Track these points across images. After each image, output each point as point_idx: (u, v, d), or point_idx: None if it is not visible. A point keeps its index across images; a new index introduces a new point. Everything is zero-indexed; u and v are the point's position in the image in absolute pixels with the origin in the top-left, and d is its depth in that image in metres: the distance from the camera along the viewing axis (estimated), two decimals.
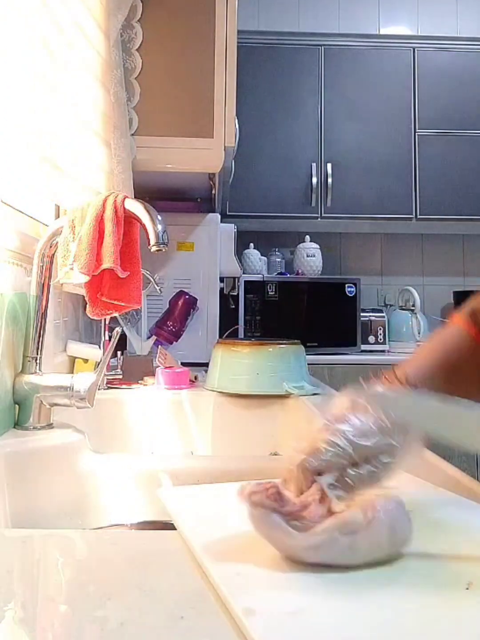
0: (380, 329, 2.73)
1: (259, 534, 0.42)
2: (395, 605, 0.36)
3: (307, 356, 1.35)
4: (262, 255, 2.93)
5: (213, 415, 1.26)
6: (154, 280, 1.64)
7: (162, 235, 0.82)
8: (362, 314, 2.68)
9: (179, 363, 1.53)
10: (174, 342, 1.86)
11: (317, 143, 2.85)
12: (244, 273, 2.53)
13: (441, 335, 0.69)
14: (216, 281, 2.00)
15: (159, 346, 1.59)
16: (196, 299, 1.92)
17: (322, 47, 2.86)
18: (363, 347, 2.66)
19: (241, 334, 2.53)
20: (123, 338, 1.72)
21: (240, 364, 1.26)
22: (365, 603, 0.36)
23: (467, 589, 0.38)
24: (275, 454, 1.14)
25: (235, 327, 2.50)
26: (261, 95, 2.82)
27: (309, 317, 2.64)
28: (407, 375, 0.52)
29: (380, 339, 2.72)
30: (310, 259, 2.88)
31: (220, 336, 2.04)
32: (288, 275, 2.83)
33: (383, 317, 2.78)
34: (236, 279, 2.25)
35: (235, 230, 2.11)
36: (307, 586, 0.38)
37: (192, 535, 0.46)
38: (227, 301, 2.31)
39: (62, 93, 1.11)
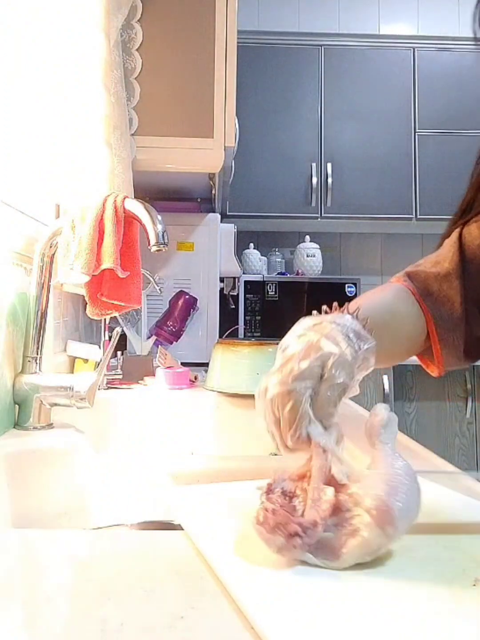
0: None
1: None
2: (402, 601, 0.36)
3: None
4: (262, 255, 2.93)
5: (213, 415, 1.26)
6: (154, 280, 1.64)
7: (162, 235, 0.82)
8: None
9: (179, 363, 1.53)
10: (174, 342, 1.86)
11: (317, 143, 2.85)
12: (244, 273, 2.53)
13: (384, 287, 0.76)
14: (216, 281, 2.00)
15: (159, 346, 1.59)
16: (196, 299, 1.92)
17: (322, 47, 2.86)
18: None
19: (241, 334, 2.53)
20: (123, 338, 1.72)
21: (240, 364, 1.26)
22: (374, 598, 0.36)
23: (474, 585, 0.38)
24: (275, 454, 1.14)
25: (235, 327, 2.50)
26: (261, 95, 2.82)
27: None
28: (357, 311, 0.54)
29: None
30: (310, 259, 2.88)
31: (220, 336, 2.04)
32: (288, 275, 2.83)
33: None
34: (236, 279, 2.26)
35: (235, 230, 2.11)
36: (316, 583, 0.38)
37: (199, 535, 0.46)
38: (227, 301, 2.31)
39: (63, 94, 1.11)
